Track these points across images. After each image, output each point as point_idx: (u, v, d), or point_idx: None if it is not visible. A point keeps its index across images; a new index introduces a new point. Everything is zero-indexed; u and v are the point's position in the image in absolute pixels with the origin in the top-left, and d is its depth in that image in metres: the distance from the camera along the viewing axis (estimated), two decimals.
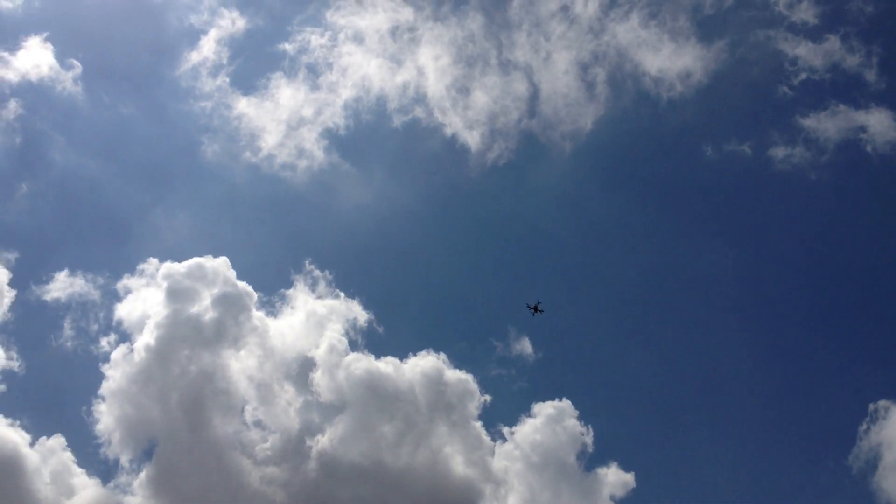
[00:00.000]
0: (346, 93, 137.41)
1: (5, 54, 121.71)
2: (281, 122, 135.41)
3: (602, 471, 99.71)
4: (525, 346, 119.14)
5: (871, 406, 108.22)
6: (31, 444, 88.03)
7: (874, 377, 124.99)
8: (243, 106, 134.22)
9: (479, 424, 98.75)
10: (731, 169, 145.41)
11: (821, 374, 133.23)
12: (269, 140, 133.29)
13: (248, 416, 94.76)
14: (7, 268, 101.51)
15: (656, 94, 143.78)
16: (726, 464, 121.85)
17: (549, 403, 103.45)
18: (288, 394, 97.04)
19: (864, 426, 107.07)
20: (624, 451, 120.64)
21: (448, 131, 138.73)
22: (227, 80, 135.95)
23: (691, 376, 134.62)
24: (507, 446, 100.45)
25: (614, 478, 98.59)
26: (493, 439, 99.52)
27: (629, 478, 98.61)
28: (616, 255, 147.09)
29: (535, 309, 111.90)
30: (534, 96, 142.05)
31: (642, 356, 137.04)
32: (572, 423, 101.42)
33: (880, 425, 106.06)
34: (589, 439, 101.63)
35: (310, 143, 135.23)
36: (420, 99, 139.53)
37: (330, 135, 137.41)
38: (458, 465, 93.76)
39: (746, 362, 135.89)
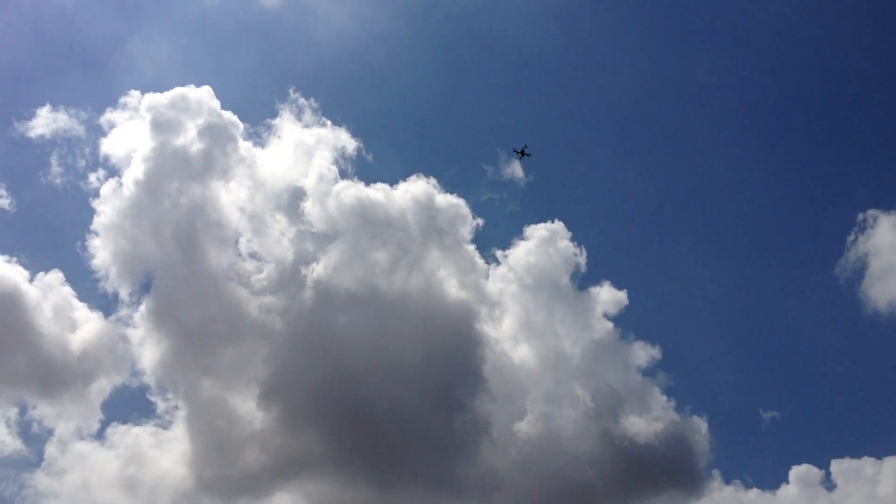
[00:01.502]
0: None
1: None
2: None
3: (595, 290, 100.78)
4: (516, 169, 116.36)
5: (860, 216, 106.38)
6: (30, 280, 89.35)
7: (863, 186, 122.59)
8: None
9: (471, 248, 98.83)
10: None
11: (809, 185, 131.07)
12: None
13: (243, 247, 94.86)
14: None
15: None
16: (716, 278, 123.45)
17: (541, 226, 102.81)
18: (280, 224, 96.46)
19: (852, 236, 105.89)
20: (616, 270, 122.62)
21: None
22: None
23: (681, 193, 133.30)
24: (501, 269, 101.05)
25: (607, 296, 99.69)
26: (487, 262, 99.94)
27: (622, 295, 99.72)
28: (603, 73, 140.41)
29: (523, 153, 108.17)
30: None
31: (633, 175, 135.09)
32: (565, 244, 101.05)
33: (868, 234, 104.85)
34: (582, 259, 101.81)
35: None
36: None
37: None
38: (453, 288, 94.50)
39: (735, 176, 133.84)
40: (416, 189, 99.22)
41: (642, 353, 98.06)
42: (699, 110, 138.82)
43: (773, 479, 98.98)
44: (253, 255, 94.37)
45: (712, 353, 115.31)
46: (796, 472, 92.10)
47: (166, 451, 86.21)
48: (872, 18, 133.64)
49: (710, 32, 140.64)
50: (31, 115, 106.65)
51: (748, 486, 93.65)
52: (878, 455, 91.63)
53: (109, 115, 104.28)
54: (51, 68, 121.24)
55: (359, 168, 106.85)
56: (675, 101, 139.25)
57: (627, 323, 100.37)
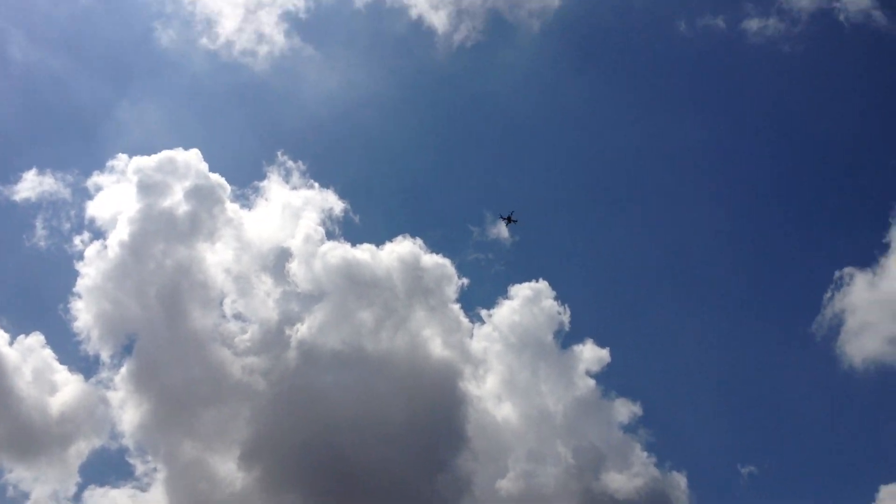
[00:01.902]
0: None
1: None
2: (238, 5, 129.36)
3: (578, 347, 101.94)
4: (501, 229, 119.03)
5: (837, 273, 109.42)
6: (10, 343, 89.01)
7: (839, 244, 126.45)
8: None
9: (457, 307, 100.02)
10: (706, 43, 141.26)
11: (787, 243, 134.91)
12: (227, 25, 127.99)
13: (227, 308, 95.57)
14: None
15: None
16: (696, 335, 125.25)
17: (526, 285, 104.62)
18: (266, 285, 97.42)
19: (829, 293, 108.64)
20: (599, 328, 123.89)
21: (414, 12, 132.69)
22: None
23: (663, 252, 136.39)
24: (486, 328, 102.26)
25: (590, 354, 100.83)
26: (472, 321, 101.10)
27: (604, 353, 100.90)
28: (589, 135, 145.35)
29: (509, 219, 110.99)
30: None
31: (616, 235, 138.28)
32: (549, 303, 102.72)
33: (844, 292, 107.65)
34: (566, 318, 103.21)
35: (269, 26, 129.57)
36: None
37: (290, 17, 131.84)
38: (437, 347, 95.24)
39: (717, 236, 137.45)
40: (402, 249, 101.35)
41: (623, 410, 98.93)
42: (681, 173, 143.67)
43: None
44: (237, 316, 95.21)
45: (692, 408, 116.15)
46: None
47: None
48: (849, 84, 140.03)
49: (692, 98, 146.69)
50: (16, 179, 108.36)
51: None
52: None
53: (96, 178, 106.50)
54: (39, 131, 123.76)
55: (345, 229, 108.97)
56: (659, 164, 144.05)
57: (609, 380, 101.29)
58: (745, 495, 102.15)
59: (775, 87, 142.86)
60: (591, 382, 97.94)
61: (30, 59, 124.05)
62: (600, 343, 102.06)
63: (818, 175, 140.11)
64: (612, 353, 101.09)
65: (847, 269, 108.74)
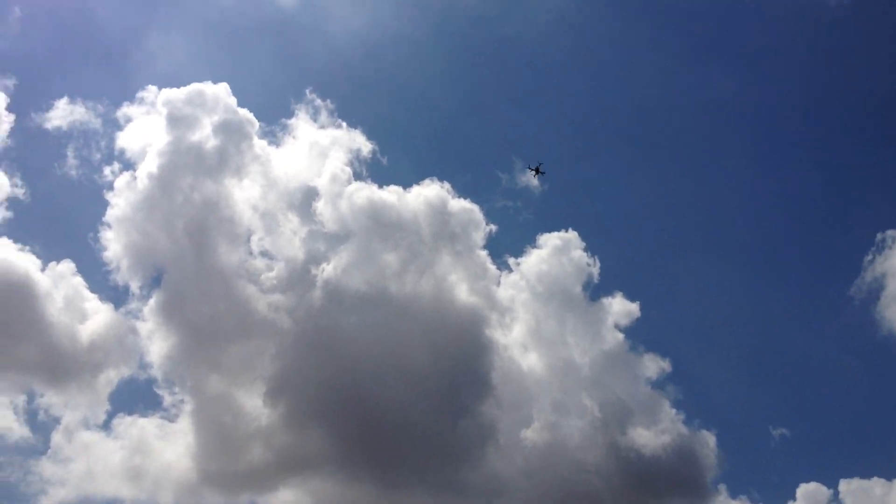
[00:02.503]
0: None
1: None
2: None
3: (607, 300, 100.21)
4: (531, 177, 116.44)
5: (879, 235, 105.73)
6: (42, 269, 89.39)
7: (882, 205, 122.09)
8: None
9: (484, 254, 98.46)
10: None
11: (828, 202, 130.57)
12: None
13: (254, 244, 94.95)
14: (6, 94, 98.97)
15: None
16: (730, 293, 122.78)
17: (555, 234, 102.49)
18: (292, 223, 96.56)
19: (870, 256, 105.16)
20: (629, 282, 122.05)
21: None
22: None
23: (697, 206, 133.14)
24: (513, 276, 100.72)
25: (619, 307, 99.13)
26: (499, 269, 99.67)
27: (634, 307, 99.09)
28: (622, 81, 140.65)
29: (537, 171, 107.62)
30: None
31: (649, 187, 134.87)
32: (578, 253, 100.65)
33: (885, 255, 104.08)
34: (595, 270, 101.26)
35: None
36: None
37: None
38: (463, 293, 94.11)
39: (753, 192, 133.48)
40: (429, 193, 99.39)
41: (652, 366, 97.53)
42: (718, 122, 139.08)
43: (780, 497, 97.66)
44: (264, 254, 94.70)
45: (723, 367, 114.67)
46: (804, 490, 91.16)
47: (171, 443, 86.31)
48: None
49: (732, 42, 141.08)
50: (48, 107, 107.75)
51: (755, 502, 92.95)
52: (888, 476, 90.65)
53: (126, 109, 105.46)
54: (70, 61, 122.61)
55: (373, 170, 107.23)
56: (694, 112, 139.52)
57: (638, 335, 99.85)
58: (775, 458, 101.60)
59: (818, 39, 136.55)
60: (620, 336, 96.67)
61: None
62: (630, 297, 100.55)
63: (864, 134, 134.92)
64: (642, 308, 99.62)
65: (890, 232, 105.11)
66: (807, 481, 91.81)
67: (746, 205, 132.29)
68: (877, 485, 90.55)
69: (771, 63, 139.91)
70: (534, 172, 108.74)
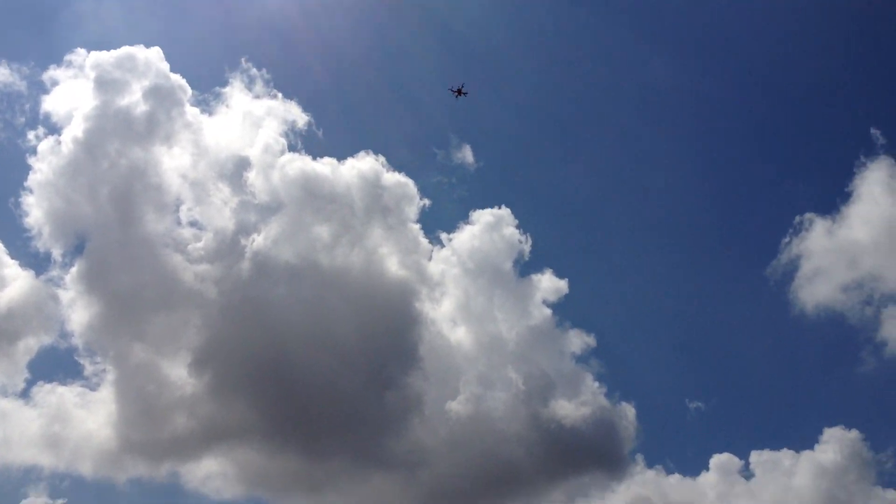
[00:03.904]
0: None
1: None
2: None
3: (537, 277, 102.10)
4: (466, 154, 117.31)
5: (797, 218, 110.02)
6: None
7: (802, 190, 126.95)
8: None
9: (416, 228, 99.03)
10: None
11: (749, 185, 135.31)
12: None
13: (182, 214, 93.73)
14: None
15: None
16: (654, 272, 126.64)
17: (488, 211, 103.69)
18: (223, 193, 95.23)
19: (787, 238, 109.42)
20: (559, 259, 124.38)
21: None
22: None
23: (626, 187, 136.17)
24: (445, 252, 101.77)
25: (548, 284, 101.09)
26: (431, 244, 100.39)
27: (563, 284, 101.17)
28: (556, 61, 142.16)
29: (459, 92, 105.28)
30: None
31: (581, 167, 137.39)
32: (510, 230, 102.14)
33: (802, 237, 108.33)
34: (526, 247, 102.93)
35: None
36: None
37: None
38: (394, 266, 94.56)
39: (679, 174, 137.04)
40: (363, 166, 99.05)
41: (577, 341, 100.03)
42: (648, 104, 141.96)
43: (693, 466, 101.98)
44: (193, 223, 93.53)
45: (645, 343, 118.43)
46: (717, 460, 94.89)
47: (92, 412, 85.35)
48: (822, 27, 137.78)
49: (658, 26, 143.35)
50: None
51: (669, 472, 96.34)
52: (796, 448, 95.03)
53: (53, 72, 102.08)
54: None
55: (307, 142, 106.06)
56: (625, 94, 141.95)
57: (565, 311, 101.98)
58: (691, 430, 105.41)
59: (747, 26, 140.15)
60: (548, 312, 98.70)
61: None
62: (559, 274, 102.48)
63: (788, 118, 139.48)
64: (570, 285, 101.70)
65: (808, 215, 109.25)
66: (720, 452, 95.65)
67: (672, 186, 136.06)
68: (785, 456, 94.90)
69: (698, 44, 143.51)
70: (456, 94, 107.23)
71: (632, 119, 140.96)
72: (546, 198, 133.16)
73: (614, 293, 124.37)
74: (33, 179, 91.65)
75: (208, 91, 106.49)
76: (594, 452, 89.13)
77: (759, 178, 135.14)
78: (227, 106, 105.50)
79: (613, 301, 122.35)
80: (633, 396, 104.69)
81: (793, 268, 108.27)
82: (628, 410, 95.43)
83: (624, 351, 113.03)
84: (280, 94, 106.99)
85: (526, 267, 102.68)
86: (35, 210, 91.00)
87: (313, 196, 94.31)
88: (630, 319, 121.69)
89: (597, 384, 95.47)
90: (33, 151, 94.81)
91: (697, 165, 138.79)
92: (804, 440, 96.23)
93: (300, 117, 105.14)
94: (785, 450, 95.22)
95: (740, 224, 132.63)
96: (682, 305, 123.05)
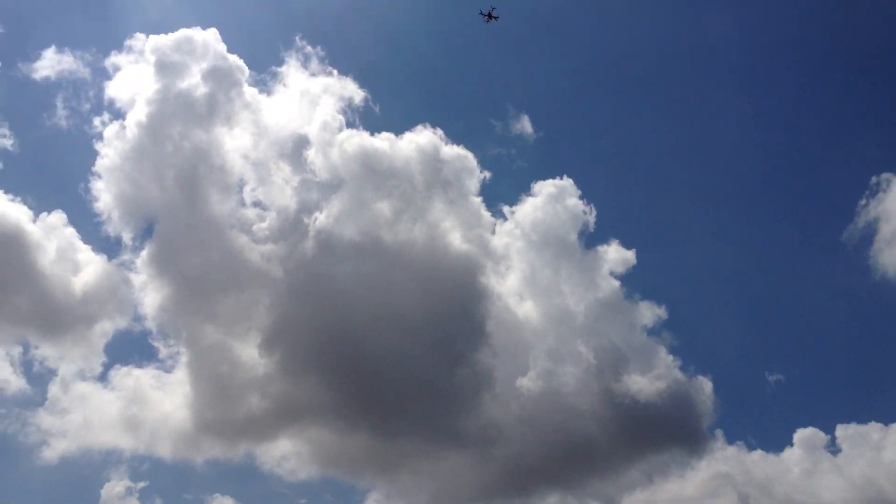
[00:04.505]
0: None
1: None
2: None
3: (602, 248, 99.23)
4: (525, 124, 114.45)
5: (874, 178, 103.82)
6: (34, 220, 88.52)
7: (877, 148, 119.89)
8: None
9: (478, 201, 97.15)
10: None
11: (822, 146, 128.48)
12: None
13: (246, 195, 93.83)
14: None
15: None
16: (724, 239, 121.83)
17: (549, 182, 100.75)
18: (284, 172, 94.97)
19: (864, 200, 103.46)
20: (625, 229, 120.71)
21: None
22: None
23: (693, 152, 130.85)
24: (508, 225, 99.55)
25: (615, 255, 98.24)
26: (494, 217, 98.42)
27: (630, 255, 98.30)
28: (615, 24, 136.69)
29: (490, 16, 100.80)
30: None
31: (644, 133, 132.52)
32: (573, 201, 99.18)
33: (879, 199, 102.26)
34: (591, 218, 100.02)
35: None
36: None
37: None
38: (457, 240, 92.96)
39: (748, 136, 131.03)
40: (421, 139, 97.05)
41: (648, 313, 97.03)
42: (711, 64, 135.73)
43: (777, 442, 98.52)
44: (256, 203, 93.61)
45: (719, 314, 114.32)
46: (801, 435, 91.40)
47: (168, 393, 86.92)
48: None
49: None
50: (36, 57, 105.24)
51: (751, 448, 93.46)
52: (885, 421, 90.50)
53: (114, 58, 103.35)
54: (56, 9, 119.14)
55: (364, 118, 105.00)
56: (687, 54, 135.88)
57: (634, 282, 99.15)
58: (770, 403, 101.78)
59: None
60: (616, 284, 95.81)
61: None
62: (626, 244, 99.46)
63: (860, 75, 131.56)
64: (637, 255, 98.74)
65: (885, 175, 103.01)
66: (804, 426, 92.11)
67: (741, 149, 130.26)
68: (873, 429, 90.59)
69: (766, 2, 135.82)
70: (486, 18, 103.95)
71: (696, 80, 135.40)
72: (608, 166, 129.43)
73: (684, 263, 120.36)
74: (101, 164, 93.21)
75: (265, 71, 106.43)
76: (671, 428, 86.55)
77: (832, 137, 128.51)
78: (284, 85, 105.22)
79: (683, 271, 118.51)
80: (709, 369, 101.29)
81: (871, 231, 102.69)
82: (705, 384, 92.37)
83: (697, 322, 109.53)
84: (335, 71, 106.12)
85: (591, 238, 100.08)
86: (104, 195, 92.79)
87: (373, 172, 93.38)
88: (702, 289, 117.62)
89: (670, 357, 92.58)
90: (100, 137, 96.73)
91: (767, 125, 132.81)
92: (893, 412, 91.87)
93: (356, 93, 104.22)
94: (872, 423, 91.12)
95: (813, 186, 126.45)
96: (756, 273, 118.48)
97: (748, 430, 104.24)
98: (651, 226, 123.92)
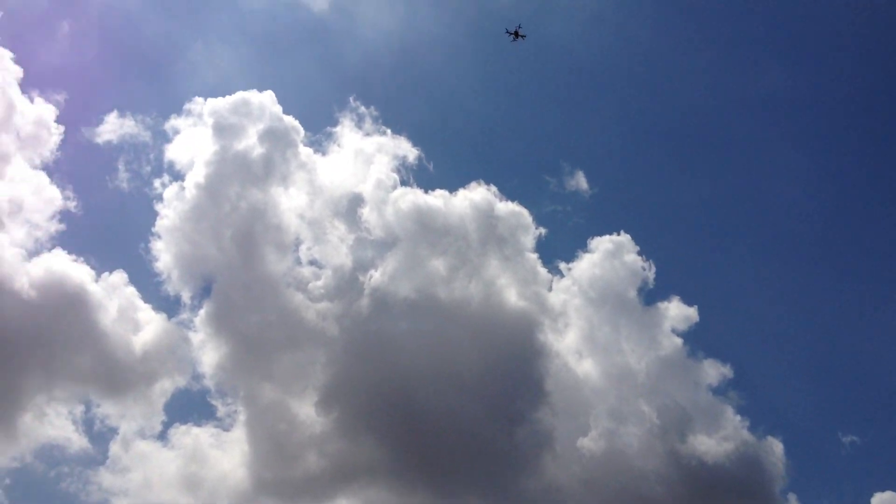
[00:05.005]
0: None
1: None
2: None
3: (663, 305, 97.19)
4: (580, 180, 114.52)
5: None
6: (96, 280, 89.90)
7: None
8: None
9: (534, 257, 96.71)
10: None
11: (887, 197, 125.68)
12: None
13: (302, 253, 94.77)
14: (57, 108, 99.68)
15: None
16: (791, 294, 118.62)
17: (606, 238, 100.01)
18: (339, 230, 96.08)
19: None
20: (686, 285, 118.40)
21: None
22: None
23: (752, 205, 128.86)
24: (565, 281, 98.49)
25: (676, 311, 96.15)
26: (550, 274, 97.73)
27: (692, 311, 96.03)
28: (670, 78, 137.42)
29: (516, 34, 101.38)
30: None
31: (701, 186, 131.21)
32: (632, 257, 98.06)
33: None
34: (650, 274, 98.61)
35: None
36: None
37: None
38: (513, 297, 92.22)
39: (809, 188, 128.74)
40: (475, 196, 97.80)
41: (713, 371, 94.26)
42: (768, 117, 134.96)
43: None
44: (312, 262, 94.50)
45: (787, 372, 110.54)
46: (879, 499, 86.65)
47: (227, 452, 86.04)
48: None
49: (781, 37, 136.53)
50: (98, 121, 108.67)
51: None
52: None
53: (174, 121, 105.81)
54: (119, 75, 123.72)
55: (418, 176, 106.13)
56: (742, 108, 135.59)
57: (697, 340, 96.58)
58: (846, 465, 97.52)
59: (873, 25, 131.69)
60: (678, 341, 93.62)
61: None
62: (687, 301, 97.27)
63: None
64: (700, 312, 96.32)
65: None
66: (881, 490, 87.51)
67: (803, 202, 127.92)
68: None
69: (820, 55, 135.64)
70: (513, 36, 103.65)
71: (752, 129, 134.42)
72: (666, 221, 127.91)
73: (749, 319, 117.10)
74: (161, 225, 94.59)
75: (320, 131, 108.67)
76: (741, 492, 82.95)
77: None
78: (338, 145, 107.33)
79: (749, 327, 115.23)
80: (779, 430, 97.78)
81: None
82: (775, 445, 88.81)
83: (765, 381, 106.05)
84: (389, 130, 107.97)
85: (651, 294, 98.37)
86: (164, 254, 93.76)
87: (427, 229, 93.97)
88: (769, 346, 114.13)
89: (738, 417, 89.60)
90: (159, 198, 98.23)
91: (828, 174, 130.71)
92: None
93: (410, 151, 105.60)
94: None
95: (883, 235, 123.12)
96: (825, 328, 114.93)
97: (823, 494, 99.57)
98: (713, 281, 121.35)
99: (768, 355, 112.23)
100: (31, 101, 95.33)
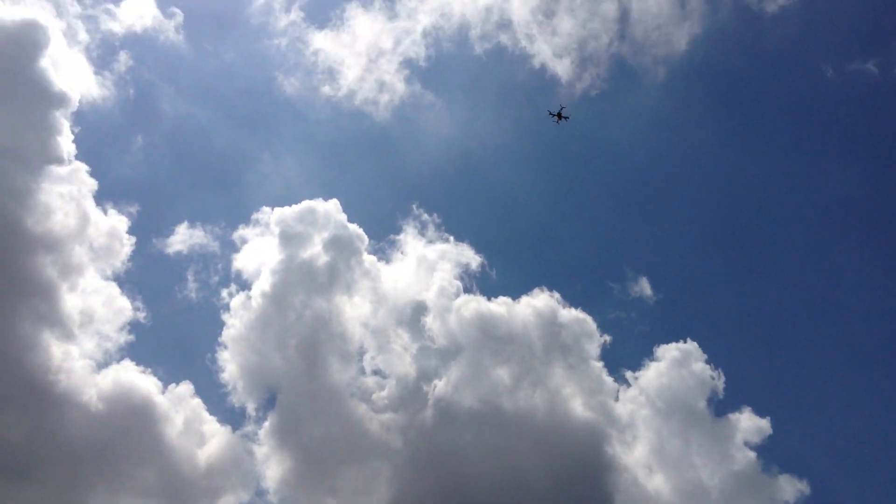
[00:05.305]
0: (426, 20, 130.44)
1: (110, 6, 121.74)
2: (360, 54, 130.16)
3: (734, 416, 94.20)
4: (644, 286, 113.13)
5: None
6: (163, 392, 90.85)
7: None
8: (319, 40, 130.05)
9: (599, 366, 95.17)
10: (855, 90, 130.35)
11: None
12: (349, 75, 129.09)
13: (366, 363, 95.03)
14: (130, 219, 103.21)
15: (759, 6, 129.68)
16: (870, 403, 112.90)
17: (673, 346, 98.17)
18: (402, 339, 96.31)
19: None
20: (757, 395, 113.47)
21: (536, 61, 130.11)
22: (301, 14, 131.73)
23: (826, 311, 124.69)
24: (632, 391, 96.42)
25: (748, 423, 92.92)
26: (617, 383, 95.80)
27: (764, 423, 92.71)
28: (733, 183, 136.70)
29: (559, 116, 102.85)
30: (623, 17, 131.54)
31: (771, 292, 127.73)
32: (700, 366, 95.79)
33: None
34: (720, 383, 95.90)
35: (390, 74, 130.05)
36: (504, 24, 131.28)
37: (410, 65, 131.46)
38: (579, 407, 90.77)
39: (882, 291, 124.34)
40: (538, 303, 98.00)
41: (789, 488, 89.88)
42: (838, 220, 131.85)
43: None
44: (376, 372, 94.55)
45: (869, 487, 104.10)
46: None
47: None
48: None
49: (845, 145, 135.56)
50: (169, 232, 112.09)
51: None
52: None
53: (242, 231, 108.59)
54: (189, 187, 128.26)
55: (481, 283, 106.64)
56: (811, 211, 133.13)
57: (771, 453, 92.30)
58: None
59: None
60: (751, 455, 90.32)
61: (178, 114, 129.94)
62: (759, 412, 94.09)
63: None
64: (773, 423, 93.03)
65: None
66: None
67: (876, 304, 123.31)
68: None
69: (888, 155, 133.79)
70: (556, 118, 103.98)
71: (820, 231, 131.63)
72: (734, 328, 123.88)
73: (826, 430, 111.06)
74: (227, 335, 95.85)
75: (384, 239, 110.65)
76: None
77: None
78: (401, 252, 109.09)
79: (825, 440, 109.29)
80: None
81: None
82: None
83: (845, 498, 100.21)
84: (452, 238, 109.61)
85: (721, 405, 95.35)
86: (230, 365, 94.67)
87: (491, 337, 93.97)
88: (848, 460, 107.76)
89: None
90: (226, 308, 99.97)
91: None
92: None
93: (473, 259, 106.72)
94: None
95: None
96: None
97: None
98: (786, 390, 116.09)
99: (847, 470, 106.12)
100: (105, 212, 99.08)
